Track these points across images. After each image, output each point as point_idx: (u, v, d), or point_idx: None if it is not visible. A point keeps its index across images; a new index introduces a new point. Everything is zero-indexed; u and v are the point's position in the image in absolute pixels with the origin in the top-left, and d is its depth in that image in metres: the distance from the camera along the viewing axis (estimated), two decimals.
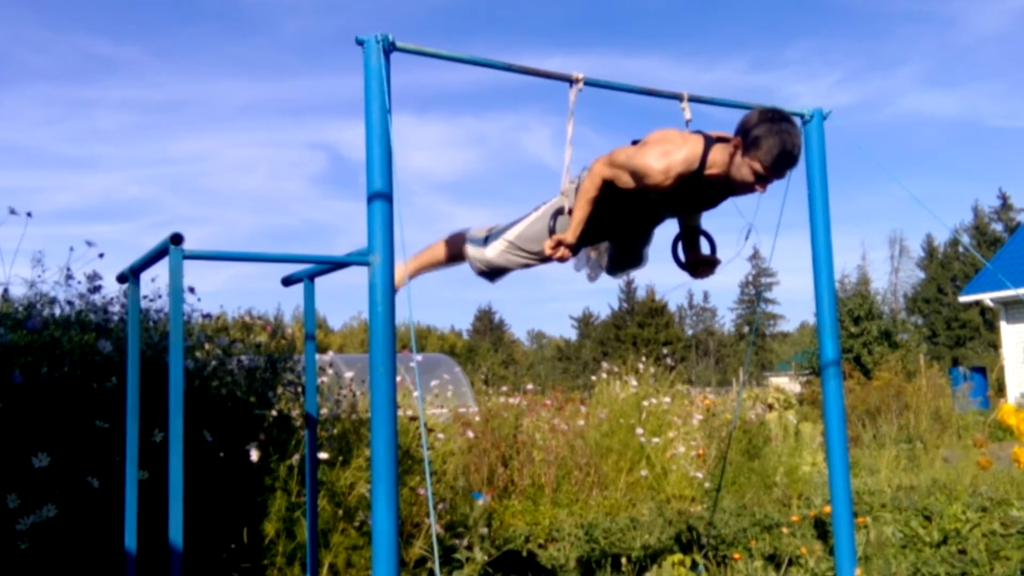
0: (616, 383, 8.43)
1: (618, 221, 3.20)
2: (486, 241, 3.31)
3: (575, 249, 3.14)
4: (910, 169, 68.81)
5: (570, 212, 3.17)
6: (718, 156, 2.86)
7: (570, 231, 3.08)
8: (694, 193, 2.98)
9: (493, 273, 3.35)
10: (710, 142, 2.90)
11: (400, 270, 3.20)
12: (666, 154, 2.84)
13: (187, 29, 74.56)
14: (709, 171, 2.87)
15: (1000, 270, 19.83)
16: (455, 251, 3.41)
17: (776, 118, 2.77)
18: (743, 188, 2.88)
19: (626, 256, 3.47)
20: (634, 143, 3.07)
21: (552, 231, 3.14)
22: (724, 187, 3.00)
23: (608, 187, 3.00)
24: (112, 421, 3.78)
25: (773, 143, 2.73)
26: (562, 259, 3.12)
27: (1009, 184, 72.09)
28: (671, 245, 3.53)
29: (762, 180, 2.80)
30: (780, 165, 2.77)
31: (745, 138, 2.77)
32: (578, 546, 5.38)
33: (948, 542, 5.21)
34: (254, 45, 75.43)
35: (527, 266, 3.30)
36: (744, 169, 2.79)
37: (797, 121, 3.99)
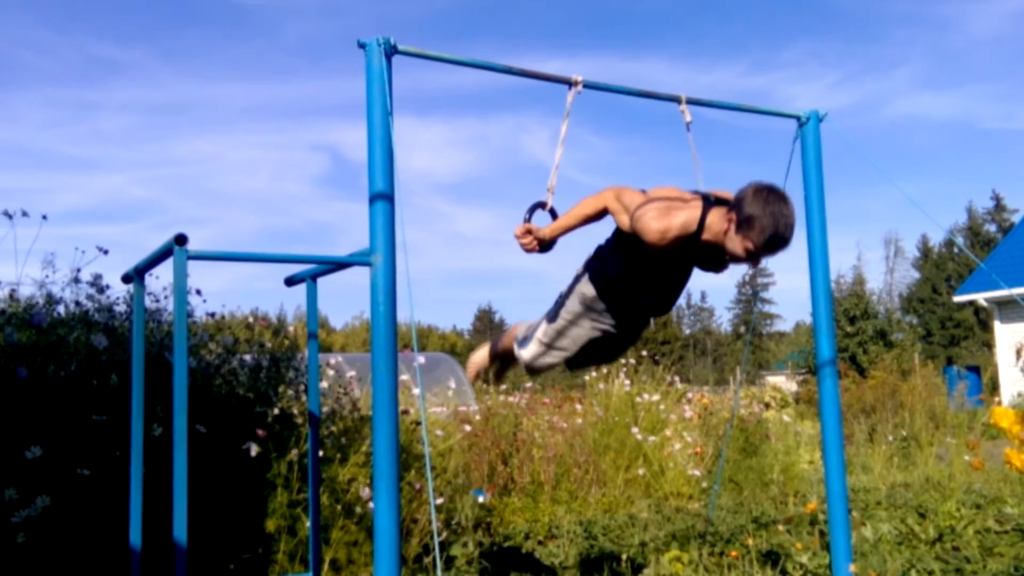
0: (612, 381, 8.43)
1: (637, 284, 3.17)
2: (524, 342, 3.37)
3: (545, 247, 3.14)
4: (905, 170, 68.90)
5: (551, 212, 3.19)
6: (715, 223, 2.85)
7: (549, 230, 3.10)
8: (692, 255, 2.98)
9: (536, 371, 3.42)
10: (709, 205, 2.89)
11: (482, 357, 3.61)
12: (665, 215, 2.83)
13: (191, 32, 74.60)
14: (706, 236, 2.87)
15: (994, 270, 19.83)
16: (506, 345, 3.55)
17: (771, 197, 2.73)
18: (735, 260, 2.89)
19: (610, 346, 3.43)
20: (642, 191, 3.08)
21: (527, 222, 3.16)
22: (721, 252, 3.01)
23: (630, 244, 3.01)
24: (109, 417, 3.79)
25: (766, 225, 2.71)
26: (529, 249, 3.13)
27: (1003, 185, 72.29)
28: None
29: (753, 258, 2.79)
30: (772, 247, 2.76)
31: (739, 214, 2.75)
32: (577, 543, 5.39)
33: (942, 539, 5.21)
34: (257, 48, 75.48)
35: (566, 359, 3.34)
36: (737, 244, 2.78)
37: (794, 116, 4.01)
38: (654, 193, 2.98)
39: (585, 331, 3.22)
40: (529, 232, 3.10)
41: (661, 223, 2.82)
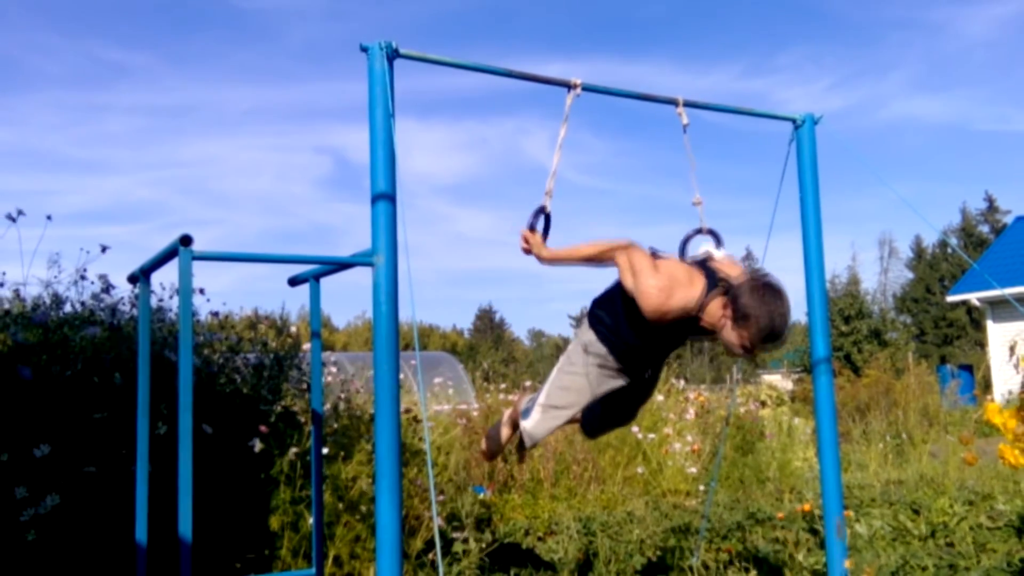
0: None
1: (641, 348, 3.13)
2: (527, 413, 3.29)
3: (539, 260, 3.11)
4: (899, 172, 68.79)
5: (546, 216, 3.14)
6: (714, 311, 2.81)
7: (548, 253, 3.06)
8: (688, 330, 2.94)
9: (540, 438, 3.33)
10: (713, 285, 2.85)
11: (496, 434, 3.57)
12: (666, 294, 2.79)
13: (196, 36, 74.56)
14: (703, 320, 2.84)
15: (987, 270, 19.83)
16: (514, 417, 3.50)
17: (767, 294, 2.71)
18: (729, 349, 2.85)
19: (619, 409, 3.38)
20: (653, 253, 3.01)
21: (532, 228, 3.12)
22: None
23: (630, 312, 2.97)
24: (112, 415, 3.79)
25: (762, 323, 2.68)
26: (525, 252, 3.10)
27: (995, 187, 72.28)
28: (679, 246, 3.54)
29: (747, 351, 2.77)
30: (765, 342, 2.74)
31: (736, 308, 2.72)
32: (576, 539, 5.39)
33: (936, 535, 5.22)
34: (261, 52, 75.41)
35: (570, 421, 3.27)
36: (733, 338, 2.76)
37: (790, 119, 4.01)
38: (663, 266, 2.90)
39: (591, 382, 3.13)
40: (527, 241, 3.08)
41: (661, 302, 2.79)
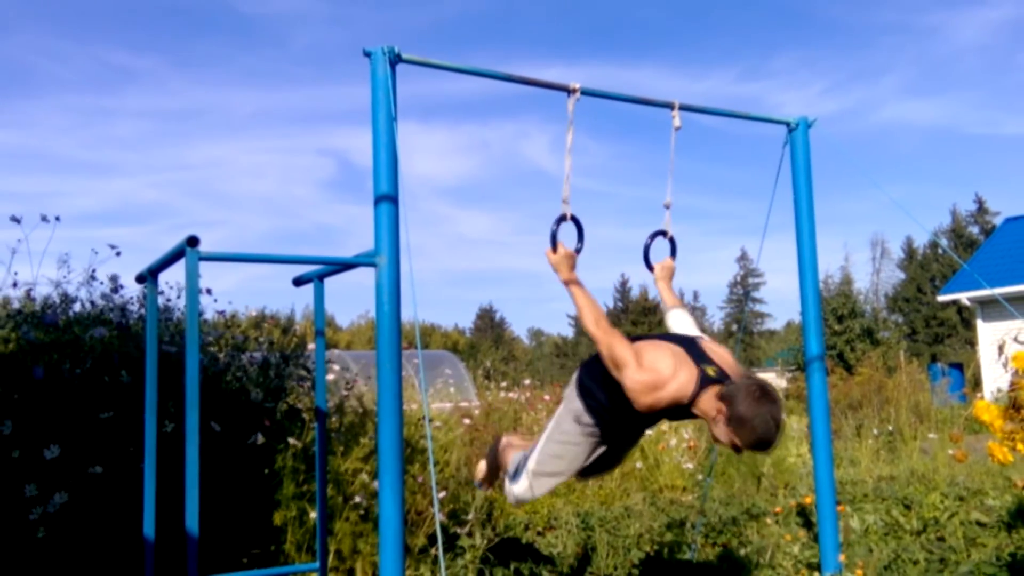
0: None
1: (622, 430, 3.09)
2: (516, 473, 3.21)
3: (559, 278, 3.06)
4: (891, 175, 68.72)
5: (573, 219, 3.14)
6: (705, 405, 2.72)
7: (566, 276, 3.00)
8: (679, 414, 2.85)
9: (527, 502, 3.29)
10: (704, 383, 2.73)
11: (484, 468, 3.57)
12: (654, 390, 2.71)
13: (202, 41, 74.53)
14: (694, 411, 2.76)
15: (976, 271, 19.83)
16: (501, 464, 3.45)
17: (762, 399, 2.63)
18: (717, 443, 2.78)
19: (609, 460, 3.30)
20: (636, 338, 2.90)
21: (554, 235, 3.09)
22: None
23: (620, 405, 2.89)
24: (121, 413, 3.79)
25: (756, 428, 2.61)
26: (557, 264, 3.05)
27: (985, 189, 72.36)
28: (643, 249, 3.55)
29: (736, 449, 2.71)
30: (757, 448, 2.69)
31: (731, 409, 2.64)
32: (575, 534, 5.38)
33: (927, 530, 5.21)
34: (266, 56, 75.35)
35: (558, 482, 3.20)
36: (724, 436, 2.69)
37: (784, 123, 4.00)
38: (647, 357, 2.77)
39: (582, 450, 3.07)
40: (549, 259, 3.05)
41: (652, 401, 2.71)
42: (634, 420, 2.92)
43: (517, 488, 3.17)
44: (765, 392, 2.64)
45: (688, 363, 2.76)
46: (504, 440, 3.54)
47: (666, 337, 2.94)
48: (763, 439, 2.63)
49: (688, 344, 2.88)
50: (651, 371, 2.71)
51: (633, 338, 2.90)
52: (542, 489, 3.14)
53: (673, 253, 3.56)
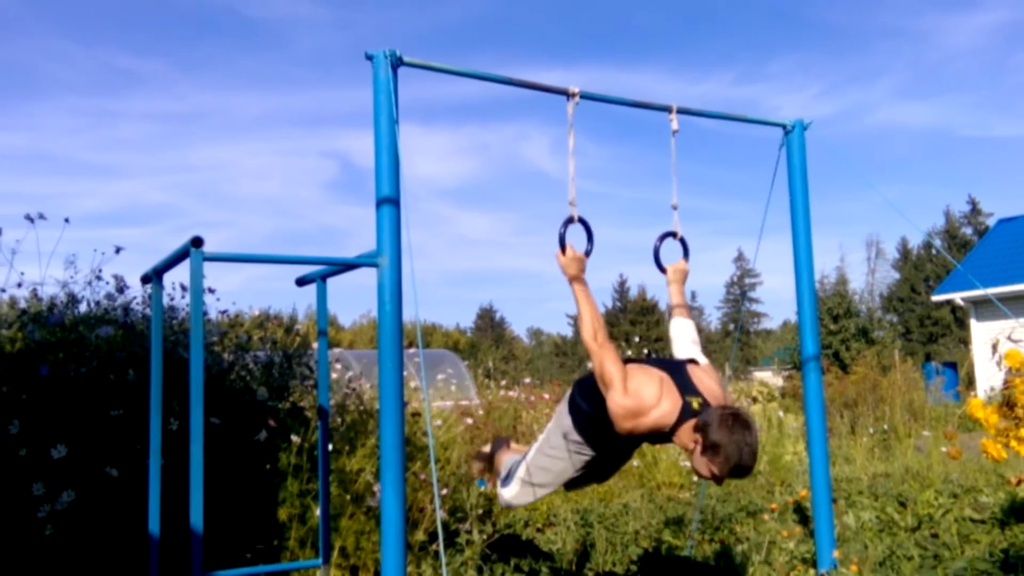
0: None
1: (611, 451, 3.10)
2: (507, 478, 3.27)
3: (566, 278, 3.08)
4: (886, 176, 68.75)
5: (580, 220, 3.15)
6: (684, 436, 2.73)
7: (574, 274, 3.01)
8: (662, 439, 2.85)
9: (516, 507, 3.34)
10: (686, 415, 2.72)
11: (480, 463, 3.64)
12: (636, 416, 2.72)
13: (206, 44, 74.55)
14: (674, 440, 2.76)
15: (970, 271, 19.83)
16: (496, 463, 3.50)
17: (735, 426, 2.63)
18: (698, 474, 2.80)
19: (599, 474, 3.33)
20: (627, 360, 2.91)
21: (563, 237, 3.09)
22: None
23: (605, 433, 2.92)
24: (127, 411, 3.79)
25: (731, 455, 2.62)
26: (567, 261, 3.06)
27: (978, 190, 72.26)
28: (653, 251, 3.54)
29: (715, 479, 2.71)
30: (732, 475, 2.69)
31: (705, 438, 2.65)
32: (574, 530, 5.38)
33: (922, 527, 5.21)
34: (269, 59, 75.38)
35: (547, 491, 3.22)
36: (702, 466, 2.70)
37: (780, 125, 4.00)
38: (634, 381, 2.77)
39: (568, 465, 3.10)
40: (558, 260, 3.05)
41: (632, 426, 2.73)
42: (619, 441, 2.93)
43: (507, 492, 3.24)
44: (738, 419, 2.65)
45: (673, 393, 2.76)
46: (501, 442, 3.60)
47: (657, 363, 2.94)
48: (738, 466, 2.64)
49: (677, 372, 2.87)
50: (635, 397, 2.72)
51: (626, 360, 2.91)
52: (530, 497, 3.20)
53: (686, 255, 3.55)
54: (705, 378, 2.90)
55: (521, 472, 3.19)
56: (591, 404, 2.95)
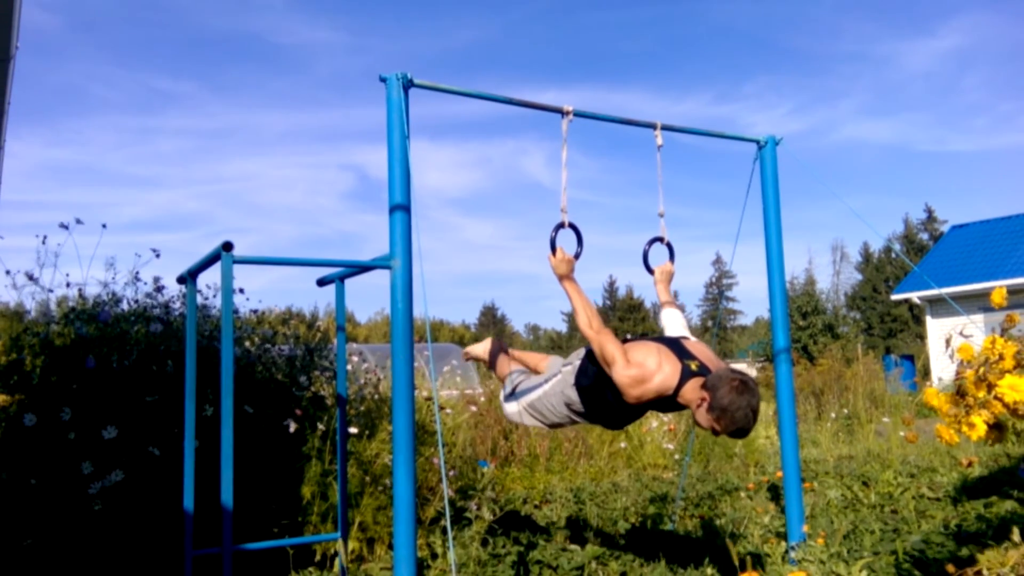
0: None
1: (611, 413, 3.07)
2: (512, 395, 3.28)
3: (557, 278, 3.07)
4: (850, 187, 68.66)
5: (571, 226, 3.13)
6: (689, 394, 2.71)
7: (564, 273, 3.00)
8: (665, 404, 2.83)
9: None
10: (687, 376, 2.72)
11: (483, 351, 3.58)
12: (642, 383, 2.70)
13: (236, 68, 74.52)
14: (679, 400, 2.75)
15: (926, 273, 19.82)
16: (499, 365, 3.50)
17: (743, 389, 2.62)
18: (698, 425, 2.78)
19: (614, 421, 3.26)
20: (625, 339, 2.88)
21: (554, 241, 3.08)
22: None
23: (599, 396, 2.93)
24: (165, 398, 3.79)
25: (736, 417, 2.61)
26: (558, 262, 3.05)
27: (934, 199, 72.33)
28: (642, 254, 3.54)
29: (715, 433, 2.71)
30: (735, 435, 2.68)
31: (713, 398, 2.63)
32: (568, 507, 5.38)
33: (883, 504, 5.20)
34: (293, 82, 75.33)
35: (543, 424, 3.23)
36: (705, 421, 2.69)
37: (754, 140, 4.00)
38: (634, 354, 2.76)
39: (567, 422, 3.15)
40: (570, 263, 3.04)
41: (640, 393, 2.71)
42: (622, 409, 2.91)
43: (511, 409, 3.29)
44: (745, 384, 2.64)
45: (672, 358, 2.76)
46: (499, 347, 3.58)
47: (653, 339, 2.93)
48: (741, 427, 2.64)
49: (672, 343, 2.88)
50: (638, 366, 2.71)
51: (623, 340, 2.90)
52: (529, 422, 3.24)
53: (672, 257, 3.55)
54: (698, 346, 2.92)
55: (525, 401, 3.22)
56: (597, 377, 2.92)
